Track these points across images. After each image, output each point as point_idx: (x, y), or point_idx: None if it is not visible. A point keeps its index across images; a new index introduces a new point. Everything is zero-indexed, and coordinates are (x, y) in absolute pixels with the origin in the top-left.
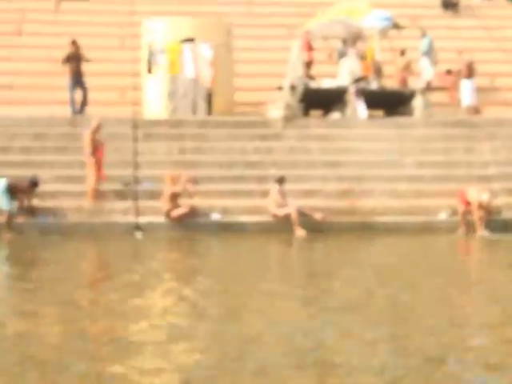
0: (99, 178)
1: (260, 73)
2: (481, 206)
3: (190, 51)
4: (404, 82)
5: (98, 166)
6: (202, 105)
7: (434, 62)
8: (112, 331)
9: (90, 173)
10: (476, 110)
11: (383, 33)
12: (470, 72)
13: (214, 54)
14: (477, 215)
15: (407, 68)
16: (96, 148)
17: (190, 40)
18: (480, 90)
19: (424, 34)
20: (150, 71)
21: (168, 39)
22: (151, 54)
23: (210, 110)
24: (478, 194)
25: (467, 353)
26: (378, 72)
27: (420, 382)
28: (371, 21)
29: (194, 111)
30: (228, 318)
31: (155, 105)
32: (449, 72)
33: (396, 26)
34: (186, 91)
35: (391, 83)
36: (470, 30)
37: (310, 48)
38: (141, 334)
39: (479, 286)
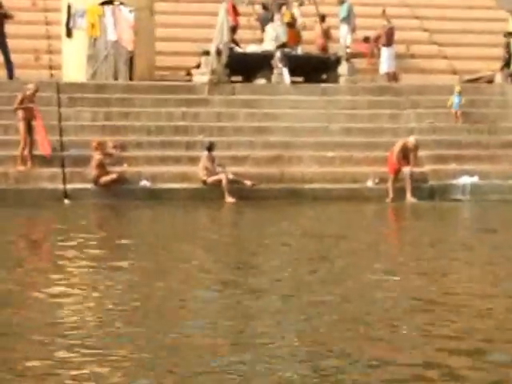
0: (33, 143)
1: (179, 37)
2: (409, 149)
3: (111, 14)
4: (324, 48)
5: (39, 131)
6: (123, 69)
7: (353, 29)
8: None
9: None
10: (395, 77)
11: None
12: (389, 39)
13: (135, 16)
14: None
15: (326, 34)
16: (31, 113)
17: (111, 2)
18: (396, 57)
19: (343, 0)
20: (69, 35)
21: (88, 1)
22: (71, 17)
23: (131, 75)
24: (402, 140)
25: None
26: (298, 38)
27: None
28: None
29: (115, 75)
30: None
31: (74, 68)
32: (366, 39)
33: None
34: (107, 55)
35: (310, 49)
36: None
37: (235, 13)
38: None
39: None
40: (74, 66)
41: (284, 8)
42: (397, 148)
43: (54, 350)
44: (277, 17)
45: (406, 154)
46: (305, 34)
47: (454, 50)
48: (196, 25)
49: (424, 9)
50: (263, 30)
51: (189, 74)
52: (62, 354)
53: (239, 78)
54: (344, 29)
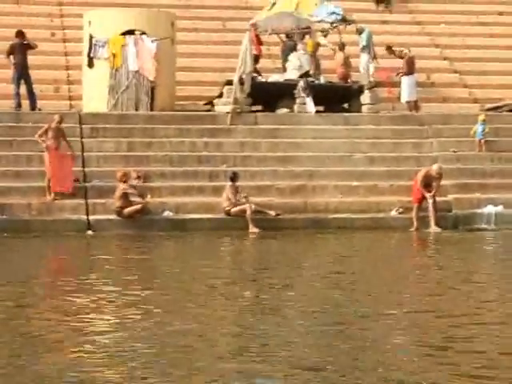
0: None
1: (199, 67)
2: (433, 177)
3: (134, 44)
4: (345, 77)
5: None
6: (144, 99)
7: (373, 57)
8: None
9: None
10: (416, 106)
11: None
12: (410, 68)
13: (157, 47)
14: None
15: (346, 63)
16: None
17: (133, 32)
18: (417, 86)
19: (363, 29)
20: (90, 65)
21: (110, 31)
22: (92, 47)
23: (152, 105)
24: (426, 168)
25: None
26: (317, 67)
27: None
28: (321, 14)
29: (137, 106)
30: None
31: (95, 99)
32: (389, 48)
33: (344, 20)
34: (129, 85)
35: (331, 79)
36: (403, 25)
37: (259, 42)
38: None
39: None
40: (94, 96)
41: (307, 37)
42: (420, 176)
43: None
44: (300, 46)
45: (429, 183)
46: (324, 64)
47: (474, 78)
48: (215, 54)
49: (444, 37)
50: (284, 59)
51: (208, 103)
52: None
53: (260, 108)
54: (364, 57)
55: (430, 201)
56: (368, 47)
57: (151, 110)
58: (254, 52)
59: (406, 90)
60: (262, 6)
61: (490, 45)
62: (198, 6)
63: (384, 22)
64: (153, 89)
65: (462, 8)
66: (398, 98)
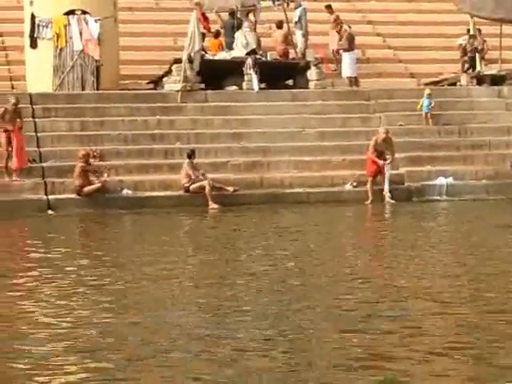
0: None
1: (141, 46)
2: (383, 142)
3: (77, 23)
4: (285, 54)
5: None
6: (90, 79)
7: (304, 34)
8: None
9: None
10: (356, 82)
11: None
12: (350, 44)
13: (100, 26)
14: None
15: (286, 40)
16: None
17: (78, 12)
18: None
19: (299, 5)
20: (33, 45)
21: (53, 11)
22: (35, 27)
23: (98, 84)
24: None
25: None
26: (258, 44)
27: None
28: None
29: (83, 85)
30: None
31: (39, 79)
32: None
33: None
34: (74, 65)
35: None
36: (334, 3)
37: (206, 20)
38: None
39: None
40: (39, 76)
41: (251, 15)
42: (371, 148)
43: None
44: (246, 24)
45: (381, 150)
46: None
47: (408, 53)
48: (151, 33)
49: (375, 14)
50: (229, 37)
51: (151, 82)
52: None
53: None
54: (298, 33)
55: (387, 169)
56: (300, 23)
57: (97, 89)
58: (202, 30)
59: (347, 65)
60: None
61: (420, 21)
62: None
63: (315, 0)
64: (98, 68)
65: None
66: (337, 74)
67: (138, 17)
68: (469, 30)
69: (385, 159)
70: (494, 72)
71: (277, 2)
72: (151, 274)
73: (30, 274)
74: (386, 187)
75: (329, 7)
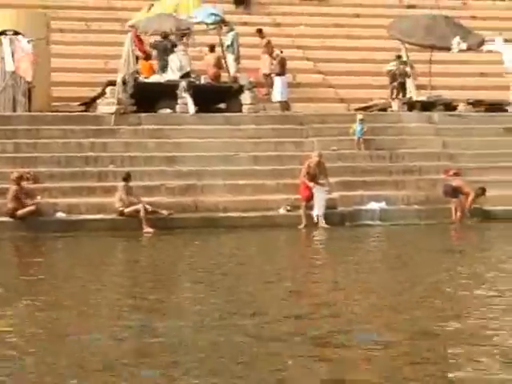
0: None
1: (73, 67)
2: (316, 166)
3: (9, 44)
4: (216, 77)
5: None
6: (22, 100)
7: (236, 58)
8: None
9: None
10: (287, 106)
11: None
12: (282, 68)
13: (33, 47)
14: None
15: (218, 63)
16: None
17: (9, 32)
18: None
19: (230, 30)
20: None
21: None
22: None
23: (29, 106)
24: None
25: None
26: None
27: None
28: (201, 16)
29: (14, 107)
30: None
31: None
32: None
33: (223, 22)
34: (5, 86)
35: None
36: (263, 27)
37: (140, 42)
38: None
39: None
40: None
41: (185, 38)
42: (303, 171)
43: None
44: (180, 47)
45: (313, 174)
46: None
47: (337, 78)
48: (81, 55)
49: (304, 39)
50: (161, 60)
51: (83, 104)
52: None
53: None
54: (229, 57)
55: (318, 193)
56: (232, 47)
57: (29, 110)
58: (137, 53)
59: (279, 90)
60: (125, 7)
61: (349, 46)
62: (62, 7)
63: (244, 24)
64: (30, 89)
65: (319, 10)
66: (268, 98)
67: (68, 38)
68: (398, 56)
69: (317, 183)
70: (424, 98)
71: (211, 26)
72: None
73: None
74: (317, 212)
75: (260, 31)
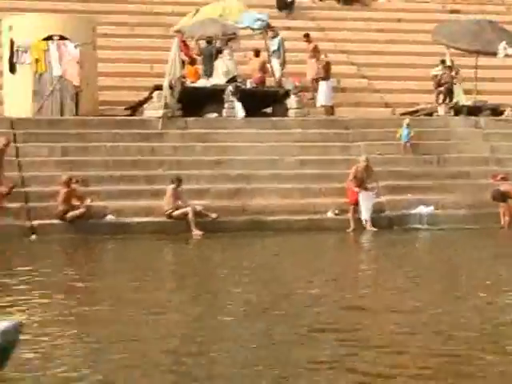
0: None
1: (119, 72)
2: (364, 170)
3: (56, 49)
4: (262, 82)
5: None
6: (69, 104)
7: (281, 63)
8: None
9: None
10: (332, 111)
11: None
12: (327, 73)
13: (80, 52)
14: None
15: (263, 68)
16: None
17: (56, 37)
18: None
19: (276, 35)
20: (13, 70)
21: (32, 36)
22: (14, 52)
23: (77, 110)
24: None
25: None
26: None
27: None
28: (247, 21)
29: (62, 111)
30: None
31: (18, 104)
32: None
33: (269, 27)
34: (53, 90)
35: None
36: (307, 31)
37: (186, 47)
38: None
39: None
40: (17, 101)
41: (231, 43)
42: (350, 176)
43: None
44: (226, 51)
45: (361, 178)
46: (240, 69)
47: (382, 83)
48: (127, 59)
49: (348, 43)
50: (207, 65)
51: (129, 108)
52: None
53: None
54: (275, 62)
55: (367, 197)
56: (278, 52)
57: (76, 114)
58: (183, 57)
59: (323, 94)
60: (168, 11)
61: (392, 51)
62: (106, 12)
63: (288, 28)
64: (77, 94)
65: (362, 15)
66: (312, 103)
67: (113, 43)
68: (442, 61)
69: (365, 188)
70: (470, 103)
71: (257, 31)
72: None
73: None
74: (364, 216)
75: (307, 36)
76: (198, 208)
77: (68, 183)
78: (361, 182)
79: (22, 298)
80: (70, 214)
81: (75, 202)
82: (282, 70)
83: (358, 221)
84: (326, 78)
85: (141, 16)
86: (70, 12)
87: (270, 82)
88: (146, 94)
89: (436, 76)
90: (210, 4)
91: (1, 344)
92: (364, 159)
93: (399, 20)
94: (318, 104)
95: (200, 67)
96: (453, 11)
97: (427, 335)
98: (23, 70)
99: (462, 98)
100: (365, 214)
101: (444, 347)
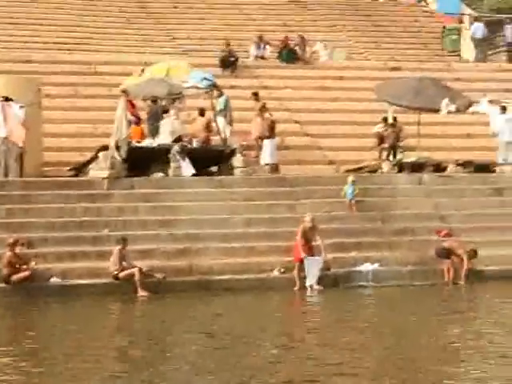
0: None
1: (62, 132)
2: (310, 229)
3: (1, 110)
4: (207, 141)
5: None
6: (13, 165)
7: (229, 122)
8: None
9: None
10: (277, 168)
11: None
12: (271, 131)
13: (25, 112)
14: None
15: (208, 127)
16: None
17: (1, 98)
18: None
19: (221, 94)
20: None
21: None
22: None
23: (21, 171)
24: (301, 226)
25: None
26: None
27: None
28: (193, 80)
29: (6, 172)
30: None
31: None
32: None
33: (215, 86)
34: None
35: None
36: (251, 90)
37: (132, 107)
38: None
39: None
40: None
41: (177, 102)
42: (298, 235)
43: None
44: (172, 111)
45: (308, 238)
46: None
47: (325, 141)
48: (68, 120)
49: (291, 101)
50: (151, 124)
51: (72, 169)
52: None
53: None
54: (221, 121)
55: (311, 262)
56: (224, 111)
57: (20, 176)
58: (129, 117)
59: (268, 152)
60: (109, 71)
61: (333, 109)
62: (49, 73)
63: (232, 87)
64: (21, 155)
65: (304, 73)
66: (257, 161)
67: (56, 103)
68: (385, 118)
69: (310, 247)
70: (413, 159)
71: (204, 90)
72: None
73: None
74: (309, 282)
75: (256, 94)
76: (145, 269)
77: (13, 246)
78: (309, 241)
79: None
80: (15, 276)
81: (20, 266)
82: (230, 128)
83: (305, 279)
84: (271, 136)
85: (84, 76)
86: (13, 73)
87: (215, 141)
88: (89, 154)
89: (379, 133)
90: (156, 64)
91: None
92: (309, 220)
93: (341, 78)
94: (263, 162)
95: (145, 126)
96: (393, 68)
97: None
98: None
99: (397, 155)
100: (311, 280)
101: None
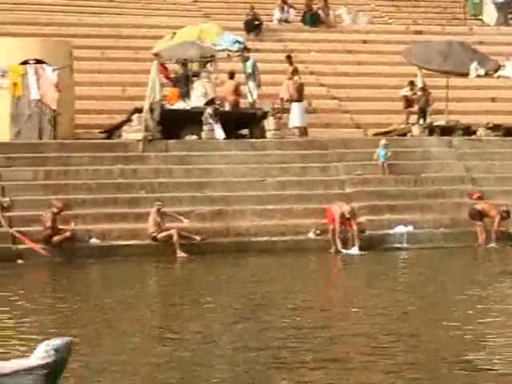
0: None
1: (91, 95)
2: (345, 217)
3: (34, 73)
4: (236, 104)
5: None
6: (47, 128)
7: (258, 85)
8: None
9: None
10: (305, 132)
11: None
12: (300, 95)
13: (58, 75)
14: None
15: (237, 90)
16: None
17: (34, 61)
18: None
19: (248, 57)
20: None
21: (10, 61)
22: None
23: (55, 133)
24: (340, 208)
25: None
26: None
27: None
28: (225, 43)
29: (40, 134)
30: None
31: None
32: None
33: (246, 49)
34: (31, 114)
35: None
36: (276, 53)
37: (165, 70)
38: None
39: None
40: None
41: (208, 65)
42: (336, 215)
43: None
44: (204, 74)
45: (347, 218)
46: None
47: (352, 104)
48: (95, 83)
49: (316, 65)
50: (182, 87)
51: (104, 131)
52: None
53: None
54: (250, 84)
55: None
56: (252, 75)
57: (54, 138)
58: (162, 80)
59: (297, 115)
60: (135, 35)
61: (359, 72)
62: (75, 35)
63: (257, 51)
64: (55, 117)
65: (328, 37)
66: (284, 124)
67: (83, 66)
68: (411, 82)
69: (350, 225)
70: (443, 123)
71: (235, 53)
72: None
73: None
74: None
75: (289, 57)
76: (181, 232)
77: (60, 209)
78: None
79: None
80: (56, 237)
81: (60, 226)
82: (258, 91)
83: (339, 241)
84: (300, 99)
85: (111, 39)
86: (43, 35)
87: (243, 103)
88: (117, 116)
89: (405, 96)
90: (187, 27)
91: (55, 361)
92: (349, 210)
93: (365, 41)
94: (291, 125)
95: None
96: (416, 32)
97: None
98: (1, 94)
99: (432, 119)
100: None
101: None
